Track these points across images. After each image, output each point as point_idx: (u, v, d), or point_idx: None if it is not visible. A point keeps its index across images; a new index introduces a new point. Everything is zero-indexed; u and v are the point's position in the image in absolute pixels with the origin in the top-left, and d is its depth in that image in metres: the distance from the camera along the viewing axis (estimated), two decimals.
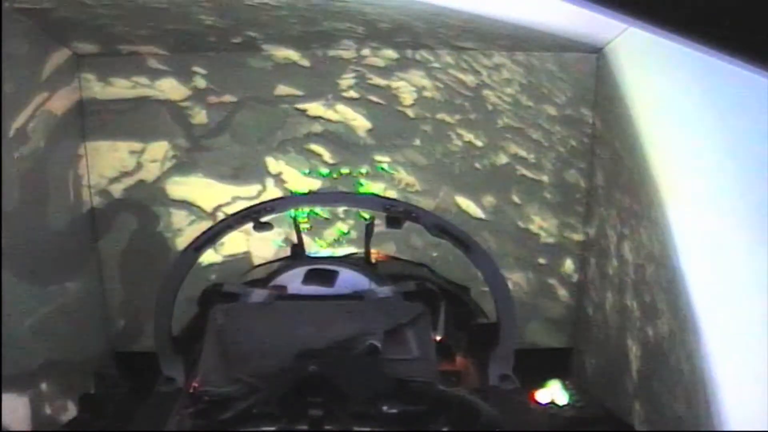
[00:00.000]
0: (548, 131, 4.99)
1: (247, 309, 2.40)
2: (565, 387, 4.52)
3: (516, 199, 5.08)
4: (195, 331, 2.55)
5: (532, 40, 4.51)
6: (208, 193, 4.94)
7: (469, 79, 4.94)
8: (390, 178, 5.02)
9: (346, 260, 2.97)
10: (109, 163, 4.85)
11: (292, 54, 4.87)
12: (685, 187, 3.33)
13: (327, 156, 4.98)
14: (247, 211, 2.64)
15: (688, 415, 3.07)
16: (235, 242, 4.79)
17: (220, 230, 2.61)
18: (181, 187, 4.96)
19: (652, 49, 3.32)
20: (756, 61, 1.36)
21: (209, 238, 2.59)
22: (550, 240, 5.01)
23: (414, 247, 4.76)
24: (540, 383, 4.45)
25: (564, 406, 4.40)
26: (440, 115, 4.97)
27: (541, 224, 5.06)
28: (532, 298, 5.02)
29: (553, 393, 4.44)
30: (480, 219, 5.07)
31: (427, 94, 4.96)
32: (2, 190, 3.47)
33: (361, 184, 5.01)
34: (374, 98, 4.96)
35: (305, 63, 4.89)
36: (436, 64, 4.91)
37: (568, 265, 4.99)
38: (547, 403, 4.38)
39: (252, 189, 4.91)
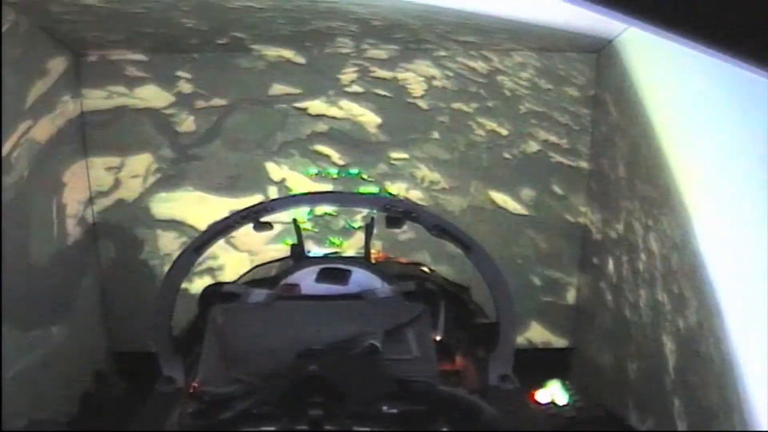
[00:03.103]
0: (575, 114, 4.72)
1: (247, 309, 2.40)
2: (565, 387, 4.52)
3: (558, 189, 4.82)
4: (195, 331, 2.55)
5: (535, 33, 4.36)
6: (200, 208, 4.57)
7: (480, 65, 4.70)
8: (410, 176, 4.77)
9: (350, 259, 2.97)
10: (81, 183, 4.41)
11: (286, 52, 4.61)
12: (700, 172, 3.31)
13: (335, 157, 4.74)
14: (247, 211, 2.64)
15: (722, 403, 3.05)
16: None
17: (220, 230, 2.60)
18: (169, 204, 4.58)
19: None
20: (756, 61, 1.36)
21: (209, 238, 2.59)
22: (599, 236, 4.65)
23: (452, 255, 4.48)
24: (540, 383, 4.45)
25: (564, 406, 4.40)
26: (456, 105, 4.73)
27: (591, 218, 4.72)
28: (590, 305, 4.61)
29: (553, 393, 4.44)
30: (521, 215, 4.82)
31: (437, 83, 4.72)
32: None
33: (370, 180, 4.76)
34: (381, 91, 4.73)
35: (300, 60, 4.64)
36: (442, 53, 4.65)
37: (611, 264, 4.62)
38: (547, 403, 4.38)
39: (251, 200, 4.48)
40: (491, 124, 4.76)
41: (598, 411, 4.35)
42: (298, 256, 3.09)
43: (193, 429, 2.00)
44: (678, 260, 3.58)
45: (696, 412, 3.28)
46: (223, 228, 2.62)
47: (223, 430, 1.98)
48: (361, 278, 2.67)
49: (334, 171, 4.80)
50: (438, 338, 2.43)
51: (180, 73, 4.55)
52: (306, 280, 2.68)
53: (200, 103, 4.59)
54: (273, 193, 4.69)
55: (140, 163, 4.57)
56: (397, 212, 2.59)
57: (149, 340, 2.48)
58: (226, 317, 2.29)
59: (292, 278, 2.71)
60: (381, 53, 4.69)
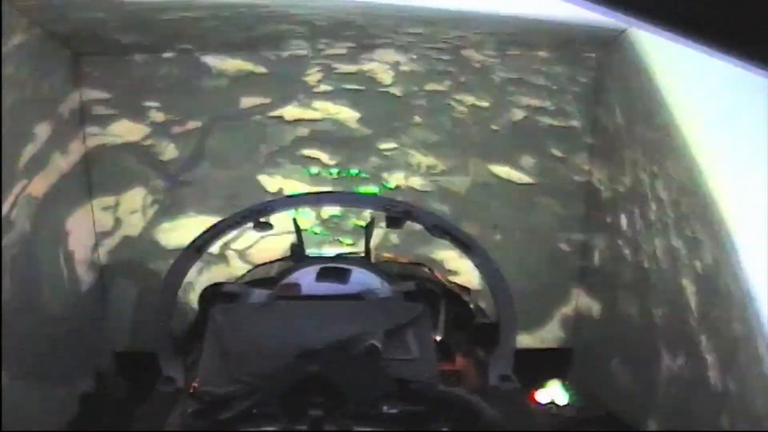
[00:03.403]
0: (550, 74, 4.63)
1: (247, 309, 2.40)
2: (565, 387, 4.52)
3: (557, 152, 4.74)
4: (195, 331, 2.55)
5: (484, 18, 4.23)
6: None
7: (441, 45, 4.61)
8: (406, 165, 4.71)
9: (350, 259, 2.97)
10: (85, 227, 4.39)
11: (245, 64, 4.57)
12: (701, 108, 3.29)
13: (325, 158, 4.71)
14: (247, 211, 2.64)
15: (745, 334, 3.06)
16: None
17: (220, 230, 2.62)
18: (175, 233, 4.54)
19: None
20: (756, 60, 1.36)
21: (209, 238, 2.60)
22: (609, 193, 4.56)
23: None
24: (540, 383, 4.45)
25: (564, 406, 4.40)
26: (429, 86, 4.69)
27: (598, 175, 4.62)
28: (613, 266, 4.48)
29: (553, 393, 4.44)
30: (528, 184, 4.75)
31: (404, 68, 4.67)
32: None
33: (367, 177, 4.73)
34: (350, 86, 4.67)
35: (262, 69, 4.60)
36: (403, 39, 4.55)
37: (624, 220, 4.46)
38: (547, 403, 4.38)
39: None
40: (470, 99, 4.69)
41: (598, 411, 4.35)
42: (298, 256, 3.09)
43: (193, 429, 2.00)
44: (688, 204, 3.55)
45: (722, 346, 3.27)
46: (223, 228, 2.63)
47: (223, 430, 1.99)
48: (360, 277, 2.67)
49: (334, 171, 4.78)
50: (438, 338, 2.43)
51: (148, 103, 4.56)
52: (306, 279, 2.68)
53: (176, 129, 4.60)
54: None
55: (135, 198, 4.57)
56: (397, 212, 2.60)
57: (150, 340, 2.48)
58: (226, 317, 2.29)
59: (292, 277, 2.71)
60: (339, 50, 4.65)
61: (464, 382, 2.37)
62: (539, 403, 4.36)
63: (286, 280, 2.70)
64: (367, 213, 4.55)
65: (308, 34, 4.40)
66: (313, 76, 4.66)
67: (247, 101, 4.62)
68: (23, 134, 3.86)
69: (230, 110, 4.60)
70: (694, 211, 3.51)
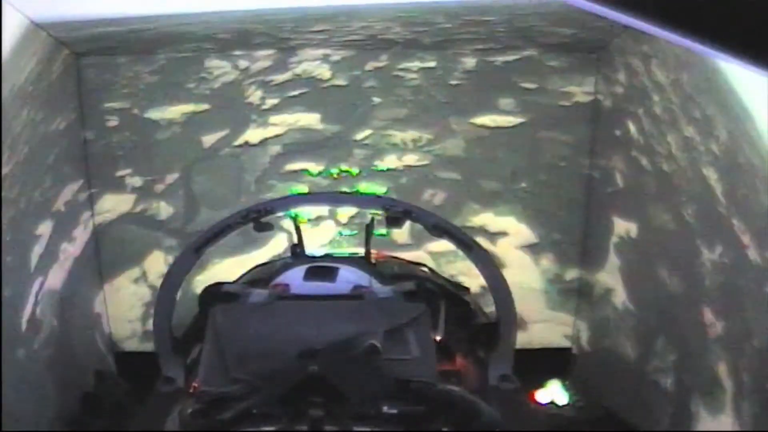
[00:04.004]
0: (481, 23, 4.42)
1: (247, 309, 2.40)
2: (565, 387, 4.51)
3: (528, 84, 4.66)
4: (195, 331, 2.55)
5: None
6: (237, 270, 4.47)
7: (353, 37, 4.53)
8: (392, 146, 4.68)
9: (345, 259, 2.97)
10: (126, 300, 4.54)
11: (185, 107, 4.58)
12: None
13: (311, 165, 4.72)
14: (246, 211, 2.64)
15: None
16: None
17: (220, 230, 2.62)
18: (201, 284, 4.52)
19: None
20: (756, 61, 1.36)
21: (209, 238, 2.60)
22: (608, 103, 4.51)
23: None
24: (540, 383, 4.45)
25: (564, 406, 4.40)
26: (368, 66, 4.64)
27: (589, 88, 4.54)
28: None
29: (553, 393, 4.44)
30: (519, 124, 4.70)
31: (335, 58, 4.64)
32: None
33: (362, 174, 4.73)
34: (293, 92, 4.68)
35: (204, 106, 4.60)
36: (315, 37, 4.50)
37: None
38: (547, 403, 4.38)
39: (270, 244, 4.48)
40: (414, 65, 4.64)
41: (598, 411, 4.35)
42: (298, 256, 3.09)
43: (193, 429, 2.00)
44: (689, 81, 3.48)
45: (754, 223, 3.26)
46: (223, 228, 2.63)
47: (223, 430, 1.99)
48: (349, 275, 2.66)
49: (334, 171, 4.77)
50: (438, 338, 2.43)
51: (119, 173, 4.60)
52: (295, 279, 2.67)
53: (159, 187, 4.64)
54: (287, 226, 4.56)
55: (158, 261, 4.63)
56: (396, 212, 2.59)
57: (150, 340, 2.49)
58: (226, 317, 2.29)
59: (281, 278, 2.71)
60: (263, 63, 4.64)
61: (464, 382, 2.37)
62: (539, 403, 4.35)
63: (275, 281, 2.70)
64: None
65: (218, 48, 4.41)
66: (253, 95, 4.67)
67: (207, 140, 4.66)
68: (28, 235, 3.94)
69: (197, 153, 4.64)
70: (698, 86, 3.42)
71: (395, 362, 2.13)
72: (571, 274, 4.90)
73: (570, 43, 4.41)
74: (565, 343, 5.01)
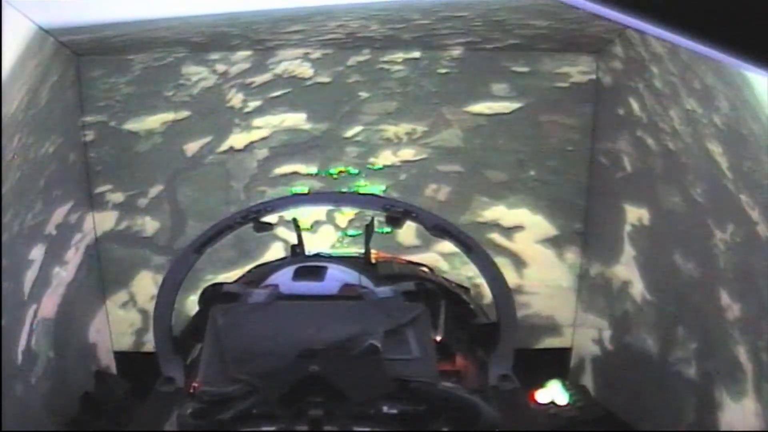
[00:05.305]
0: (462, 17, 4.33)
1: (247, 309, 2.40)
2: (565, 387, 4.51)
3: (520, 68, 4.53)
4: (195, 331, 2.55)
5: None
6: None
7: (330, 36, 4.44)
8: (386, 141, 4.56)
9: (340, 258, 2.97)
10: (117, 329, 4.42)
11: (165, 116, 4.46)
12: None
13: (302, 168, 4.61)
14: (246, 211, 2.64)
15: None
16: None
17: (220, 230, 2.62)
18: (193, 304, 4.42)
19: None
20: (756, 60, 1.36)
21: (209, 238, 2.60)
22: (609, 80, 4.36)
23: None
24: (540, 383, 4.45)
25: (564, 406, 4.40)
26: (352, 61, 4.53)
27: (584, 68, 4.41)
28: None
29: (553, 393, 4.44)
30: (517, 109, 4.57)
31: (314, 56, 4.53)
32: None
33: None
34: (275, 93, 4.56)
35: (184, 114, 4.48)
36: (291, 37, 4.42)
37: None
38: (547, 403, 4.38)
39: (270, 254, 4.34)
40: (398, 56, 4.52)
41: (598, 411, 4.35)
42: (297, 256, 3.09)
43: (193, 429, 2.00)
44: (687, 50, 3.40)
45: (761, 197, 3.23)
46: (223, 228, 2.63)
47: (223, 430, 1.99)
48: (338, 274, 2.66)
49: (334, 171, 4.74)
50: (438, 338, 2.43)
51: (99, 189, 4.49)
52: (284, 279, 2.67)
53: (142, 201, 4.54)
54: (289, 237, 4.39)
55: (146, 283, 4.51)
56: (396, 212, 2.60)
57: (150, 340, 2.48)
58: (226, 317, 2.29)
59: (272, 279, 2.71)
60: (241, 65, 4.54)
61: (464, 382, 2.37)
62: (539, 403, 4.35)
63: (265, 281, 2.70)
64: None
65: (193, 51, 4.30)
66: (234, 98, 4.55)
67: (190, 148, 4.53)
68: (21, 261, 3.84)
69: (180, 164, 4.51)
70: (694, 53, 3.39)
71: (395, 362, 2.13)
72: (595, 269, 4.60)
73: (563, 39, 4.35)
74: (593, 348, 4.79)
